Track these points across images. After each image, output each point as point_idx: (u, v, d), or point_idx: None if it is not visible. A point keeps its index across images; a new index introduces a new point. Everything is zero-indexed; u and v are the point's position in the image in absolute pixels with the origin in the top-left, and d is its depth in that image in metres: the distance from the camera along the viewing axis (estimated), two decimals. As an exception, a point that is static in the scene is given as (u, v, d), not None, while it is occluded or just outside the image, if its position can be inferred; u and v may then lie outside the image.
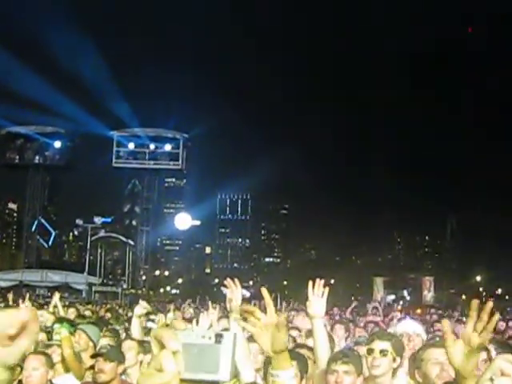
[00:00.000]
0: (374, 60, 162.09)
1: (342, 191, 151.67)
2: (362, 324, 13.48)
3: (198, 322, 6.53)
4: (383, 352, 4.97)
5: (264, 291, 2.70)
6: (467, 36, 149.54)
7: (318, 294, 5.00)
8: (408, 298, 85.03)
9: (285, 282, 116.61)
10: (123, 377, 6.67)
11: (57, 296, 13.85)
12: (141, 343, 7.24)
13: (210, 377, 2.13)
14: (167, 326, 9.75)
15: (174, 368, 2.02)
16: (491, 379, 2.33)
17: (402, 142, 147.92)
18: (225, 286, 5.12)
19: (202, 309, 22.03)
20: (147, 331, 8.95)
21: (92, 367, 6.55)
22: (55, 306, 13.13)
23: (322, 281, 5.06)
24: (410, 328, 6.70)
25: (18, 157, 71.15)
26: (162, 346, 2.08)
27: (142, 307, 8.35)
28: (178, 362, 2.03)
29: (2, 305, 16.55)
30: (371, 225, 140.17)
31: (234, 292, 5.08)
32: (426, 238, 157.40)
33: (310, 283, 5.01)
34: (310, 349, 5.54)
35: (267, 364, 4.63)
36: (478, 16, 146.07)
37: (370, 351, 5.02)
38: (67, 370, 6.86)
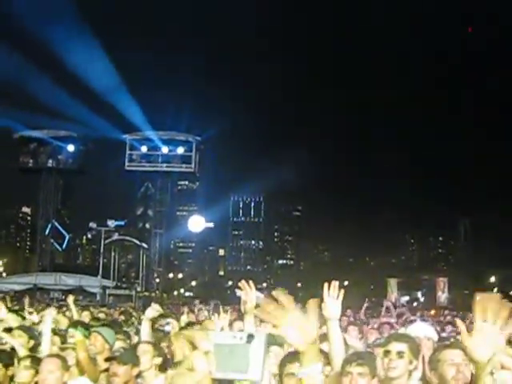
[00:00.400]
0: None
1: (354, 193, 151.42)
2: (375, 325, 13.42)
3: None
4: (400, 354, 4.94)
5: (277, 293, 2.67)
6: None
7: (333, 296, 4.98)
8: (422, 299, 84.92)
9: (298, 284, 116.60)
10: (139, 380, 6.66)
11: (71, 298, 13.89)
12: (157, 346, 7.21)
13: (241, 376, 2.14)
14: (182, 328, 9.72)
15: (206, 368, 2.05)
16: (491, 373, 2.32)
17: (415, 144, 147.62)
18: (239, 288, 5.11)
19: (215, 313, 22.04)
20: (164, 335, 8.91)
21: (107, 370, 6.54)
22: (69, 309, 13.15)
23: (337, 282, 5.04)
24: (420, 331, 6.66)
25: (31, 161, 71.37)
26: (194, 347, 2.10)
27: (153, 310, 8.34)
28: (210, 361, 2.05)
29: (17, 307, 16.57)
30: (385, 226, 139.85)
31: (249, 294, 5.06)
32: (440, 238, 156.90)
33: (326, 285, 4.99)
34: (324, 353, 5.52)
35: (283, 366, 4.61)
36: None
37: (387, 353, 4.99)
38: (82, 372, 6.86)
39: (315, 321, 2.50)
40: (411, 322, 12.45)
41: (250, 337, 2.09)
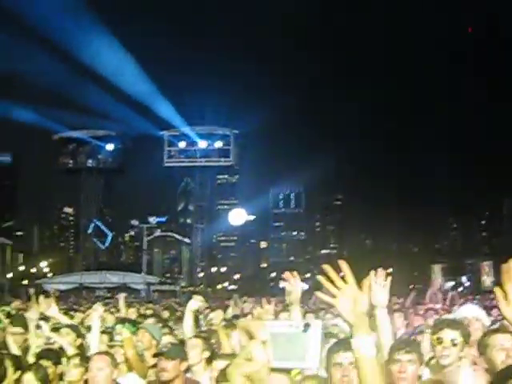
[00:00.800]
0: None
1: (395, 179, 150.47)
2: (420, 312, 13.32)
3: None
4: (453, 341, 4.89)
5: (341, 263, 2.68)
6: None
7: (380, 284, 4.94)
8: (467, 284, 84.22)
9: (342, 274, 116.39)
10: (188, 374, 6.67)
11: (122, 297, 14.15)
12: (206, 340, 7.20)
13: (299, 365, 2.14)
14: (228, 321, 9.74)
15: (264, 357, 2.04)
16: None
17: (454, 127, 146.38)
18: (282, 279, 5.09)
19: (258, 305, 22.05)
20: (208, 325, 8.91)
21: (155, 366, 6.56)
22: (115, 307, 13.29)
23: (384, 270, 5.00)
24: (470, 313, 6.58)
25: (71, 161, 72.13)
26: (251, 337, 2.10)
27: (196, 301, 8.21)
28: (267, 351, 2.04)
29: (64, 307, 16.73)
30: (426, 212, 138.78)
31: (293, 285, 5.04)
32: (483, 222, 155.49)
33: (372, 273, 4.95)
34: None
35: (330, 355, 4.58)
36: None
37: (440, 340, 4.94)
38: (130, 369, 6.89)
39: (367, 296, 2.51)
40: (461, 304, 12.34)
41: (307, 325, 2.09)
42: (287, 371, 2.12)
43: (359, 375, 2.63)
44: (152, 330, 7.85)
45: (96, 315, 8.02)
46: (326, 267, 2.63)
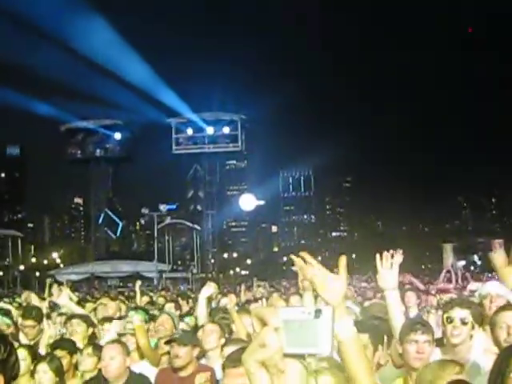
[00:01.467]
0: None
1: (405, 160, 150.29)
2: (433, 291, 13.34)
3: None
4: (463, 320, 4.87)
5: (342, 259, 2.68)
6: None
7: (386, 267, 4.93)
8: (479, 262, 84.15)
9: (353, 255, 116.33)
10: (203, 360, 6.69)
11: (138, 284, 14.33)
12: (222, 327, 7.20)
13: (311, 351, 2.15)
14: (241, 306, 9.75)
15: (277, 344, 2.06)
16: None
17: (466, 109, 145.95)
18: (293, 264, 5.08)
19: (273, 289, 22.14)
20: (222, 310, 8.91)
21: (168, 352, 6.59)
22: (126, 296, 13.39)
23: (390, 252, 4.99)
24: (494, 289, 6.57)
25: (79, 151, 72.18)
26: (264, 324, 2.12)
27: (209, 288, 8.19)
28: (280, 337, 2.06)
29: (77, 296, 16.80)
30: (436, 192, 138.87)
31: (305, 269, 5.03)
32: (493, 200, 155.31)
33: (378, 256, 4.94)
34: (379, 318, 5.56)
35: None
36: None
37: (450, 319, 4.92)
38: (142, 357, 6.91)
39: (345, 278, 2.51)
40: (487, 280, 12.34)
41: (318, 312, 2.10)
42: (300, 357, 2.14)
43: (343, 360, 2.63)
44: (173, 317, 7.89)
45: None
46: (302, 254, 2.63)
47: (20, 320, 8.37)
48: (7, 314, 8.40)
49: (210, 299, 8.77)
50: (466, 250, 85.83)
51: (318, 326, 2.10)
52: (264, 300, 10.40)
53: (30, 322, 8.19)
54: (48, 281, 13.81)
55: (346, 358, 2.62)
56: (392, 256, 4.91)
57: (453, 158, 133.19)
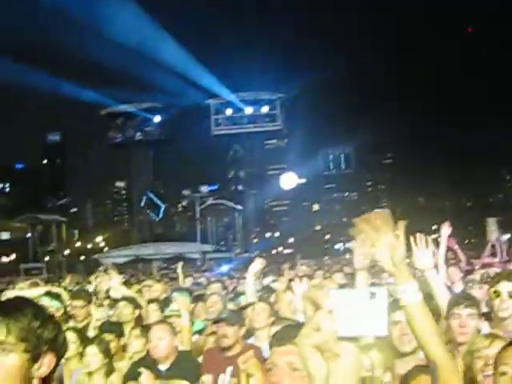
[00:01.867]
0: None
1: (445, 134, 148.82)
2: (477, 266, 13.20)
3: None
4: (510, 293, 4.82)
5: (401, 223, 2.65)
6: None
7: (421, 248, 4.91)
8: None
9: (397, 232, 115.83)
10: (252, 339, 6.72)
11: (180, 265, 14.38)
12: (272, 306, 7.19)
13: (367, 332, 2.14)
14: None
15: (331, 327, 2.04)
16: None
17: (503, 84, 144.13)
18: (337, 241, 5.06)
19: (316, 266, 22.13)
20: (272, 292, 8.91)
21: (214, 333, 6.62)
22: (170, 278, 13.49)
23: (422, 234, 4.97)
24: None
25: (119, 135, 72.57)
26: (316, 307, 2.10)
27: (257, 264, 7.95)
28: (334, 320, 2.04)
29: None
30: (478, 165, 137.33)
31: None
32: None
33: (412, 238, 4.92)
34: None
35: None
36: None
37: (497, 293, 4.87)
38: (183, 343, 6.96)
39: (404, 241, 2.49)
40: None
41: (372, 293, 2.08)
42: (355, 339, 2.11)
43: (410, 325, 2.60)
44: (222, 296, 7.95)
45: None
46: (356, 220, 2.59)
47: (69, 301, 8.48)
48: (57, 296, 8.49)
49: (257, 276, 8.66)
50: (510, 223, 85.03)
51: (373, 308, 2.08)
52: (306, 278, 10.37)
53: (79, 302, 8.31)
54: (102, 267, 14.00)
55: (412, 325, 2.59)
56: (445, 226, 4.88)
57: (495, 131, 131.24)
